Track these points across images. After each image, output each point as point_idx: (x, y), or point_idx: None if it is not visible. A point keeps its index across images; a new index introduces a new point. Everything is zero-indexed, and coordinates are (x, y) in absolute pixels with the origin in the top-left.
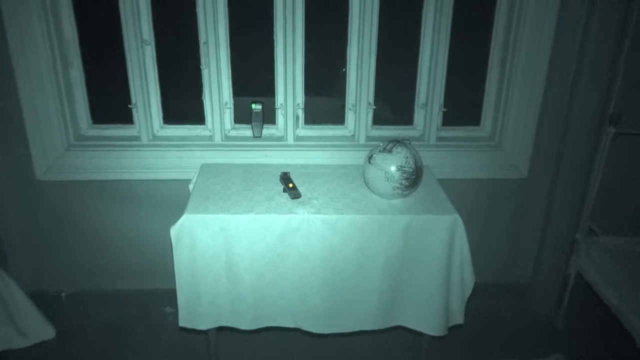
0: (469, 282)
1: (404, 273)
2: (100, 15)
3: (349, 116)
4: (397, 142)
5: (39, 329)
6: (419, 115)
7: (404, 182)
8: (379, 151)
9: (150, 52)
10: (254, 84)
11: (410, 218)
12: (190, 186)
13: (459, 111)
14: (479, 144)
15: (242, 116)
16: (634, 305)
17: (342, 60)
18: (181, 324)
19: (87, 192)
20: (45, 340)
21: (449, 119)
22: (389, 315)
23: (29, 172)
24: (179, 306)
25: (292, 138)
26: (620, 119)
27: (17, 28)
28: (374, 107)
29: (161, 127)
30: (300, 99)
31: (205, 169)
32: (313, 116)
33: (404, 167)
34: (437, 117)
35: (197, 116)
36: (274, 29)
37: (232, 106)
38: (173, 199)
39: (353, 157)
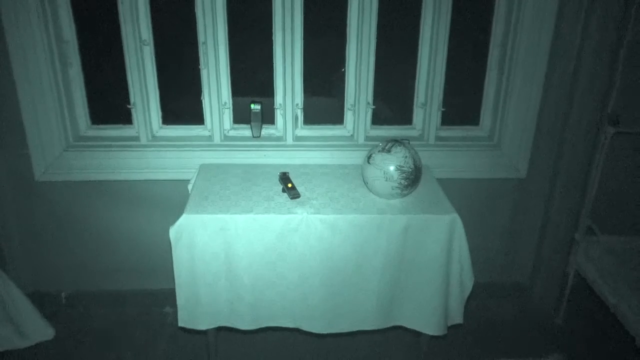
0: (468, 281)
1: (403, 273)
2: (99, 16)
3: (348, 116)
4: (396, 141)
5: (39, 330)
6: (418, 115)
7: (403, 181)
8: (378, 151)
9: (149, 53)
10: (253, 84)
11: (409, 218)
12: (189, 186)
13: (458, 111)
14: (478, 143)
15: (241, 116)
16: (633, 304)
17: (341, 60)
18: (180, 324)
19: (86, 193)
20: (45, 340)
21: (448, 119)
22: (388, 315)
23: (28, 173)
24: (178, 306)
25: (291, 138)
26: (619, 119)
27: (16, 28)
28: (373, 107)
29: (160, 128)
30: (299, 99)
31: (204, 169)
32: (312, 116)
33: (403, 167)
34: (436, 116)
35: (196, 116)
36: (273, 28)
37: (231, 106)
38: (172, 199)
39: (352, 157)
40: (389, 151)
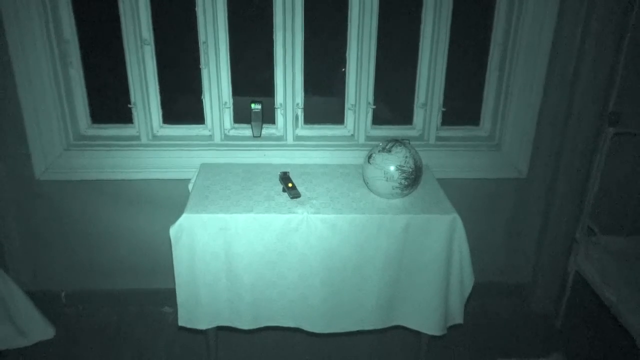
0: (468, 281)
1: (403, 273)
2: (99, 15)
3: (349, 116)
4: (397, 141)
5: (39, 329)
6: (418, 115)
7: (403, 181)
8: (379, 151)
9: (149, 52)
10: (253, 84)
11: (409, 218)
12: (190, 186)
13: (458, 111)
14: (478, 143)
15: (241, 116)
16: (633, 305)
17: (341, 60)
18: (180, 323)
19: (86, 192)
20: (45, 339)
21: (448, 119)
22: (388, 315)
23: (29, 172)
24: (178, 306)
25: (291, 138)
26: (620, 119)
27: (17, 27)
28: (374, 106)
29: (161, 127)
30: (299, 98)
31: (205, 168)
32: (312, 116)
33: (403, 166)
34: (436, 116)
35: (196, 116)
36: (274, 28)
37: (231, 106)
38: (172, 199)
39: (352, 157)
40: (389, 151)
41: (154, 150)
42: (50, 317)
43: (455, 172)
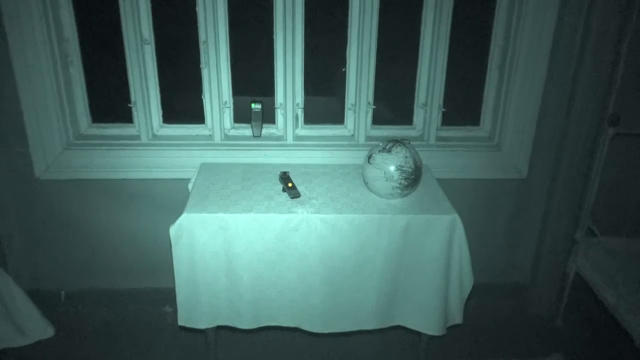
0: (468, 281)
1: (403, 273)
2: (100, 14)
3: (349, 116)
4: (397, 141)
5: (38, 328)
6: (418, 115)
7: (403, 181)
8: (379, 151)
9: (150, 51)
10: (253, 83)
11: (409, 218)
12: (190, 185)
13: (458, 111)
14: (478, 144)
15: (241, 116)
16: (632, 305)
17: (341, 60)
18: (180, 323)
19: (86, 191)
20: (44, 339)
21: (448, 119)
22: (388, 315)
23: (28, 171)
24: (178, 305)
25: (291, 138)
26: (620, 120)
27: (17, 26)
28: (374, 106)
29: (161, 126)
30: (299, 98)
31: (205, 168)
32: (312, 116)
33: (403, 166)
34: (436, 117)
35: (196, 115)
36: (274, 28)
37: (231, 105)
38: (172, 198)
39: (352, 157)
40: (389, 151)
41: (154, 149)
42: (50, 317)
43: (455, 172)
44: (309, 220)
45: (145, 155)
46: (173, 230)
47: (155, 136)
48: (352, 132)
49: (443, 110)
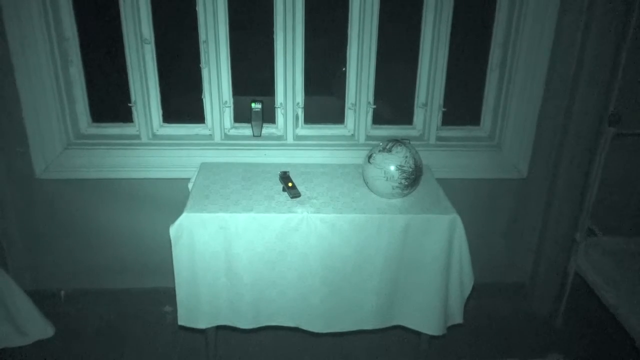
0: (468, 281)
1: (403, 272)
2: (100, 14)
3: (349, 115)
4: (397, 141)
5: (38, 328)
6: (418, 115)
7: (403, 181)
8: (379, 151)
9: (150, 51)
10: (253, 83)
11: (409, 218)
12: (190, 185)
13: (458, 111)
14: (478, 143)
15: (241, 115)
16: (632, 305)
17: (342, 60)
18: (180, 322)
19: (86, 191)
20: (45, 338)
21: (448, 119)
22: (388, 315)
23: (28, 171)
24: (178, 305)
25: (291, 137)
26: (620, 119)
27: (17, 26)
28: (374, 106)
29: (161, 126)
30: (300, 98)
31: (205, 168)
32: (313, 115)
33: (404, 166)
34: (436, 116)
35: (196, 115)
36: (274, 27)
37: (231, 105)
38: (172, 198)
39: (352, 157)
40: (389, 151)
41: (154, 149)
42: (50, 316)
43: (455, 172)
44: (309, 220)
45: (145, 154)
46: (173, 230)
47: (155, 136)
48: (352, 132)
49: (443, 110)
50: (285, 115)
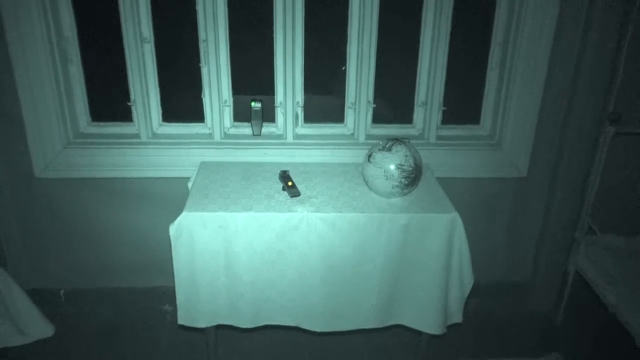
0: (468, 280)
1: (403, 272)
2: (99, 12)
3: (349, 114)
4: (397, 140)
5: (38, 327)
6: (418, 114)
7: (403, 180)
8: (379, 150)
9: (149, 50)
10: (253, 82)
11: (409, 217)
12: (189, 184)
13: (458, 110)
14: (478, 142)
15: (241, 114)
16: (632, 305)
17: (342, 59)
18: (180, 322)
19: (86, 190)
20: (44, 338)
21: (448, 118)
22: (388, 314)
23: (28, 170)
24: (178, 304)
25: (291, 136)
26: (620, 119)
27: (16, 24)
28: (374, 105)
29: (160, 125)
30: (299, 97)
31: (205, 166)
32: (312, 114)
33: (404, 165)
34: (436, 115)
35: (196, 114)
36: (274, 26)
37: (231, 104)
38: (172, 197)
39: (352, 156)
40: (389, 150)
41: (153, 148)
42: (50, 315)
43: (456, 171)
44: (309, 219)
45: (145, 153)
46: (173, 229)
47: (154, 135)
48: (352, 131)
49: (443, 108)
50: (285, 114)
